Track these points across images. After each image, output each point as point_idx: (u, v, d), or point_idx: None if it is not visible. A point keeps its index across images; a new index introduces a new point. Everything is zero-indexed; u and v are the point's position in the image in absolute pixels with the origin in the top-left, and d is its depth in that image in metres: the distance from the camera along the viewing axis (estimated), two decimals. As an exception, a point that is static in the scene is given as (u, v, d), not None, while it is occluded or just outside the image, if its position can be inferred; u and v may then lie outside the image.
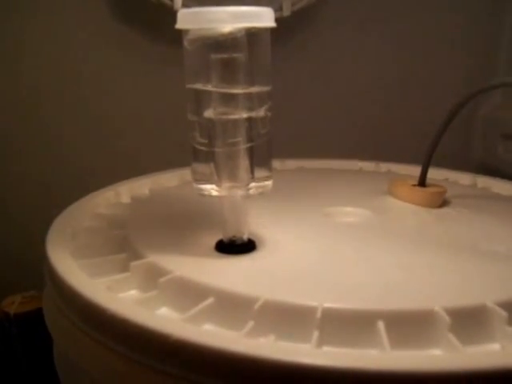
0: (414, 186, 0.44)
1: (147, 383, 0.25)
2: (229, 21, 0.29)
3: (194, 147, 0.32)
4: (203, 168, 0.32)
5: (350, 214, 0.41)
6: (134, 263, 0.32)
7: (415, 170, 0.45)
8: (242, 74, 0.30)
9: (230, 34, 0.29)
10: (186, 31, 0.30)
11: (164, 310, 0.29)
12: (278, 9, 0.60)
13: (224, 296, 0.28)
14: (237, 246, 0.33)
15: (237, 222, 0.33)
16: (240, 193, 0.32)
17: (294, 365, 0.22)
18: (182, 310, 0.28)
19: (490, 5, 0.72)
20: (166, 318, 0.28)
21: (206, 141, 0.31)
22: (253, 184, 0.32)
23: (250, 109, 0.31)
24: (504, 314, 0.26)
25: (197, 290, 0.29)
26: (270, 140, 0.32)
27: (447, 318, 0.25)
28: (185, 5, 0.56)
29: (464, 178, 0.52)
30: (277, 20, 0.31)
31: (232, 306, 0.27)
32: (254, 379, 0.23)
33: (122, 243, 0.35)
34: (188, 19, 0.30)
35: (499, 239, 0.37)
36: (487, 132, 0.73)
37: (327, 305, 0.26)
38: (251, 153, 0.32)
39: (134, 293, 0.31)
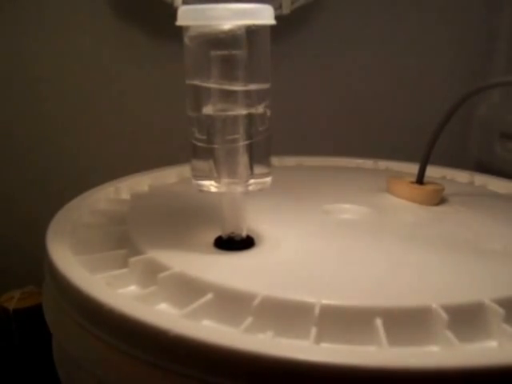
0: (412, 183, 0.44)
1: (146, 378, 0.25)
2: (229, 18, 0.29)
3: (193, 143, 0.32)
4: (202, 164, 0.32)
5: (349, 211, 0.41)
6: (133, 259, 0.32)
7: (413, 168, 0.46)
8: (241, 70, 0.30)
9: (230, 31, 0.29)
10: (187, 28, 0.30)
11: (163, 306, 0.29)
12: (277, 7, 0.60)
13: (223, 292, 0.28)
14: (235, 243, 0.33)
15: (235, 219, 0.33)
16: (239, 189, 0.32)
17: (292, 361, 0.22)
18: (181, 306, 0.28)
19: (489, 5, 0.72)
20: (165, 314, 0.28)
21: (206, 137, 0.31)
22: (252, 180, 0.32)
23: (249, 105, 0.31)
24: (501, 311, 0.26)
25: (196, 286, 0.29)
26: (269, 137, 0.32)
27: (444, 315, 0.25)
28: (185, 2, 0.56)
29: (462, 176, 0.53)
30: (276, 18, 0.31)
31: (231, 302, 0.27)
32: (252, 375, 0.23)
33: (122, 239, 0.35)
34: (188, 16, 0.30)
35: (496, 237, 0.37)
36: (485, 131, 0.73)
37: (325, 301, 0.26)
38: (250, 149, 0.32)
39: (133, 288, 0.31)
